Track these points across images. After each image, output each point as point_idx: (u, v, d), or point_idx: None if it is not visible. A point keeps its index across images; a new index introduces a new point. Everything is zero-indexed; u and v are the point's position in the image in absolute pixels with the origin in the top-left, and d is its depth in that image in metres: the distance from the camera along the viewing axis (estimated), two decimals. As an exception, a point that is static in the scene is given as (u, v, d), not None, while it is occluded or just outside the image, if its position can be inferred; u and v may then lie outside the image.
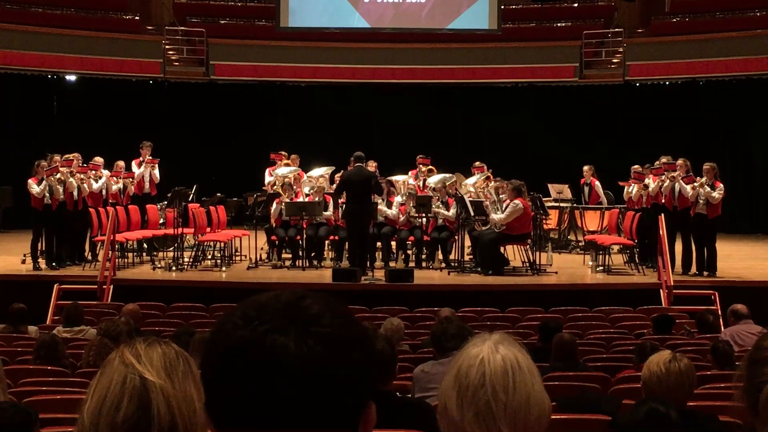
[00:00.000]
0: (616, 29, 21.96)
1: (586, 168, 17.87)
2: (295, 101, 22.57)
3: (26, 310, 9.36)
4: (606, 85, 22.11)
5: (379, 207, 14.90)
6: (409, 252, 15.56)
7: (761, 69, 20.56)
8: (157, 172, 16.68)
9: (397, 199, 15.44)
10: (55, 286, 12.89)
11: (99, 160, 15.55)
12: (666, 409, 4.11)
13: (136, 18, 22.41)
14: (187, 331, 7.23)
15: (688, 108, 21.92)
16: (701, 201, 13.84)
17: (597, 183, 17.76)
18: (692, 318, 10.84)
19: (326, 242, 15.61)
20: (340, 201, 14.82)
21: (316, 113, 22.35)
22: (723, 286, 13.07)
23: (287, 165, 16.24)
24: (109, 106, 21.85)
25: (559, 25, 23.32)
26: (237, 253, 16.08)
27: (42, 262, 14.08)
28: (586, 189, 17.85)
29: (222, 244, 15.32)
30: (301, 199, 15.16)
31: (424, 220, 15.06)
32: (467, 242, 15.38)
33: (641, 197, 15.04)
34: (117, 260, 14.00)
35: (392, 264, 15.05)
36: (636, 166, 15.61)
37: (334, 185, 15.55)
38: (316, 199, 15.00)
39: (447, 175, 15.76)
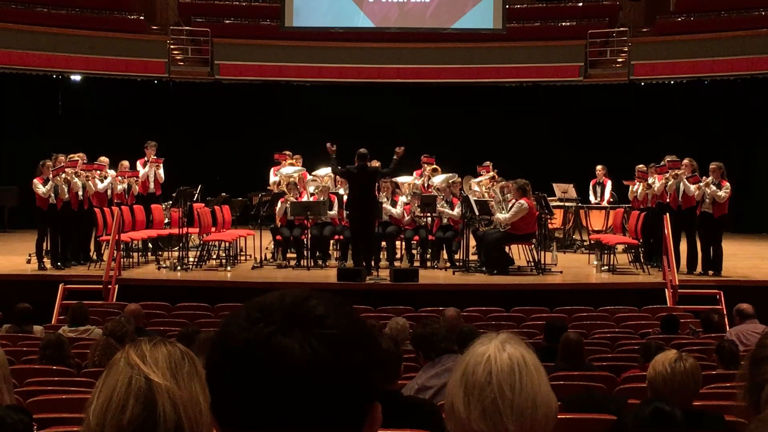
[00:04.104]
0: (621, 28, 21.94)
1: (599, 168, 17.83)
2: (299, 101, 22.57)
3: (31, 309, 9.38)
4: (611, 85, 22.09)
5: (384, 206, 14.91)
6: (414, 251, 15.55)
7: (766, 68, 20.53)
8: (161, 171, 16.70)
9: (402, 198, 15.45)
10: (60, 285, 12.90)
11: (104, 159, 15.57)
12: (671, 409, 4.10)
13: (141, 18, 22.42)
14: (193, 331, 7.23)
15: (693, 107, 21.89)
16: (707, 200, 13.82)
17: (609, 182, 17.73)
18: (697, 317, 10.84)
19: (331, 242, 15.61)
20: (343, 200, 14.85)
21: (320, 113, 22.34)
22: (728, 286, 13.05)
23: (291, 165, 16.25)
24: (114, 106, 21.88)
25: (563, 24, 23.29)
26: (242, 253, 16.09)
27: (47, 262, 14.08)
28: (599, 188, 17.80)
29: (227, 244, 15.32)
30: (305, 199, 15.17)
31: (429, 219, 15.06)
32: (472, 242, 15.37)
33: (646, 196, 15.02)
34: (122, 260, 14.00)
35: (397, 263, 15.04)
36: (640, 166, 15.58)
37: (338, 187, 15.61)
38: (321, 198, 15.00)
39: (451, 174, 15.75)
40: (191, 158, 21.22)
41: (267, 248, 15.55)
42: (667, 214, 13.82)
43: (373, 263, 14.20)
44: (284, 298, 1.33)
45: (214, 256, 15.66)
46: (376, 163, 15.55)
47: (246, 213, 17.14)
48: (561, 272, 14.48)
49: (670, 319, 9.56)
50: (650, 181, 14.85)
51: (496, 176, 16.31)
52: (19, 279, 13.56)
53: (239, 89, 22.52)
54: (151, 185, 16.64)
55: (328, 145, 14.20)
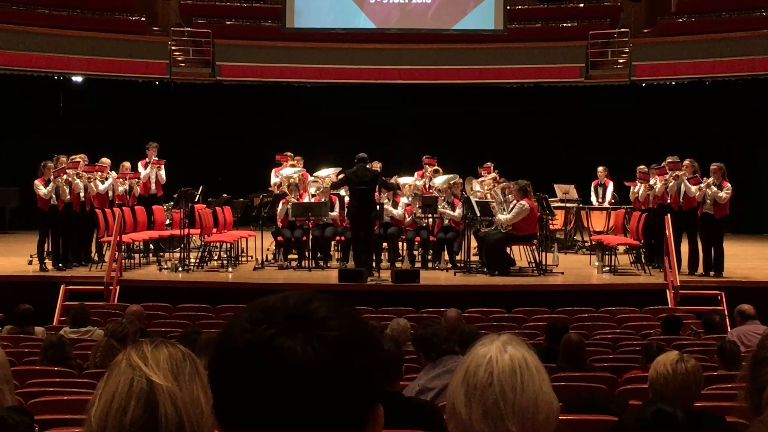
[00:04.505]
0: (622, 29, 21.95)
1: (600, 169, 17.82)
2: (300, 102, 22.57)
3: (33, 310, 9.38)
4: (612, 86, 22.10)
5: (386, 207, 14.91)
6: (415, 252, 15.55)
7: (767, 69, 20.52)
8: (163, 172, 16.72)
9: (403, 199, 15.46)
10: (62, 287, 12.90)
11: (106, 161, 15.58)
12: (673, 410, 4.10)
13: (143, 19, 22.43)
14: (194, 332, 7.24)
15: (694, 108, 21.89)
16: (708, 201, 13.82)
17: (611, 183, 17.72)
18: (699, 318, 10.84)
19: (332, 243, 15.62)
20: (345, 201, 14.86)
21: (321, 114, 22.37)
22: (729, 287, 13.05)
23: (292, 166, 16.26)
24: (116, 107, 21.89)
25: (564, 25, 23.29)
26: (243, 254, 16.09)
27: (48, 263, 14.09)
28: (600, 190, 17.79)
29: (228, 245, 15.33)
30: (306, 200, 15.17)
31: (430, 220, 15.06)
32: (473, 243, 15.37)
33: (648, 197, 15.02)
34: (123, 261, 14.01)
35: (398, 264, 15.05)
36: (642, 167, 15.59)
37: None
38: (322, 199, 15.00)
39: (452, 175, 15.75)
40: (192, 159, 21.24)
41: (268, 249, 15.56)
42: (669, 214, 13.81)
43: (374, 264, 14.19)
44: (287, 299, 1.33)
45: (216, 257, 15.66)
46: (377, 164, 15.56)
47: (247, 214, 17.15)
48: (562, 273, 14.48)
49: (671, 319, 9.56)
50: (652, 182, 14.85)
51: (498, 177, 16.31)
52: (21, 280, 13.56)
53: (240, 90, 22.52)
54: (153, 186, 16.66)
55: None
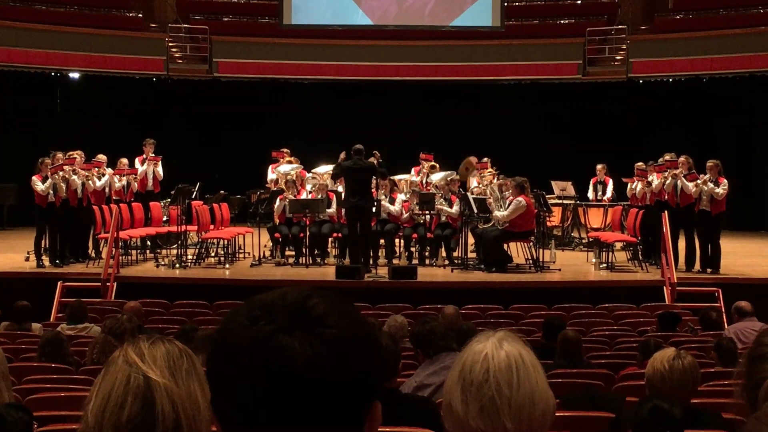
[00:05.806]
0: (620, 26, 21.94)
1: (600, 166, 17.82)
2: (298, 99, 22.58)
3: (30, 307, 9.37)
4: (609, 83, 22.10)
5: (383, 204, 14.90)
6: (413, 249, 15.55)
7: (764, 66, 20.52)
8: (160, 169, 16.69)
9: (400, 196, 15.46)
10: (59, 283, 12.88)
11: (102, 157, 15.56)
12: (670, 407, 4.10)
13: (140, 15, 22.42)
14: (191, 329, 7.23)
15: (691, 105, 21.89)
16: (705, 198, 13.82)
17: (610, 181, 17.71)
18: (696, 315, 10.84)
19: (329, 239, 15.61)
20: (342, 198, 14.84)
21: (319, 111, 22.35)
22: (726, 283, 13.05)
23: (289, 162, 16.25)
24: (113, 104, 21.87)
25: (562, 22, 23.30)
26: (240, 251, 16.09)
27: (46, 260, 14.08)
28: (600, 187, 17.79)
29: (225, 242, 15.32)
30: (304, 197, 15.17)
31: (428, 217, 15.06)
32: (470, 239, 15.37)
33: (645, 194, 15.03)
34: (120, 257, 13.99)
35: (395, 261, 15.04)
36: (639, 164, 15.59)
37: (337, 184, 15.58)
38: (319, 196, 15.00)
39: (450, 172, 15.75)
40: (190, 156, 21.20)
41: (265, 246, 15.55)
42: (666, 211, 13.83)
43: (371, 261, 14.18)
44: (285, 296, 1.33)
45: (213, 254, 15.67)
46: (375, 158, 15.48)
47: (244, 210, 17.14)
48: (559, 270, 14.48)
49: (668, 315, 9.55)
50: (650, 179, 14.86)
51: (495, 173, 16.33)
52: (18, 276, 13.57)
53: (238, 87, 22.50)
54: (150, 183, 16.63)
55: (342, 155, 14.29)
